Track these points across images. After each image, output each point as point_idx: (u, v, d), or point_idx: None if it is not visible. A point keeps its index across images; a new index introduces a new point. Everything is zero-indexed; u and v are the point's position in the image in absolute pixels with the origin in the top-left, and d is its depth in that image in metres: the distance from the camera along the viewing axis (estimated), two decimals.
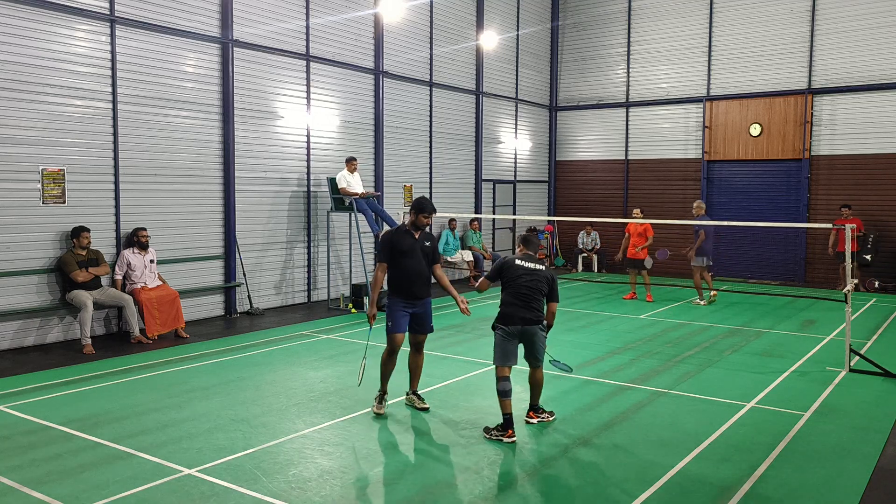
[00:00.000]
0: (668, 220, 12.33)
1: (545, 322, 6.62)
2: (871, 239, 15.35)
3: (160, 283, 10.66)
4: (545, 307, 6.64)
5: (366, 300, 12.71)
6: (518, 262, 6.61)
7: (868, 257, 15.31)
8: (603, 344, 10.21)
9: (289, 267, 13.33)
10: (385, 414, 6.92)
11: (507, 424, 6.29)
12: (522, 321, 6.44)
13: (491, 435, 6.30)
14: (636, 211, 14.49)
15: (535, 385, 6.78)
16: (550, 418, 6.82)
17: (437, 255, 7.24)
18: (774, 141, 17.33)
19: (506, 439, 6.23)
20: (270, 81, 12.75)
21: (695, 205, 13.81)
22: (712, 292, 14.00)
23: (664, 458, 5.82)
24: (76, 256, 9.75)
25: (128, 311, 10.01)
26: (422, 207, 6.88)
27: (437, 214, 15.40)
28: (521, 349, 6.61)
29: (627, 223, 14.42)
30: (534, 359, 6.65)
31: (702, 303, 13.84)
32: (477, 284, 7.08)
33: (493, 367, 6.60)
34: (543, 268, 6.63)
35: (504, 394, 6.34)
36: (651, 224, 13.73)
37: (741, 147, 17.80)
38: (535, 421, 6.73)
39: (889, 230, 15.81)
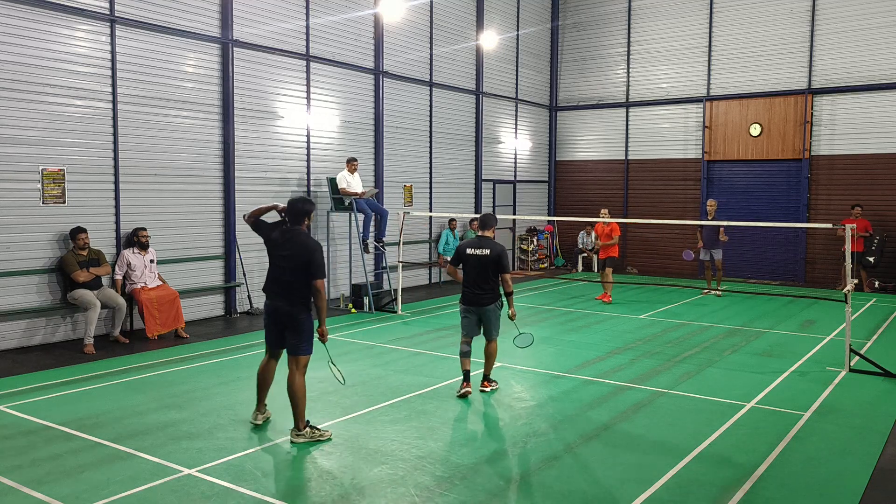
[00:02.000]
0: (667, 221, 12.35)
1: (500, 301, 7.52)
2: (876, 240, 15.27)
3: (160, 283, 10.65)
4: (499, 282, 7.52)
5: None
6: (469, 249, 7.48)
7: (871, 259, 15.26)
8: (603, 344, 10.21)
9: None
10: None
11: (464, 378, 7.55)
12: (473, 302, 7.46)
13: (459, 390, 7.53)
14: (603, 211, 13.89)
15: (488, 356, 7.66)
16: (495, 387, 7.74)
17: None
18: (774, 141, 17.32)
19: (461, 390, 7.46)
20: (270, 81, 12.75)
21: (711, 203, 14.54)
22: (708, 290, 14.85)
23: (664, 458, 5.82)
24: (77, 256, 9.74)
25: (117, 312, 10.00)
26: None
27: (438, 214, 15.73)
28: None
29: (595, 224, 14.75)
30: (487, 333, 7.58)
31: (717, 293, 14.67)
32: (447, 270, 7.87)
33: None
34: (489, 251, 7.39)
35: (463, 354, 7.61)
36: (618, 223, 14.04)
37: (741, 147, 17.80)
38: (488, 389, 7.65)
39: (890, 230, 15.78)
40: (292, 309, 6.20)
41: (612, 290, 14.33)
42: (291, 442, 6.17)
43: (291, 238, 6.26)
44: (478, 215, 15.41)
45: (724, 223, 13.34)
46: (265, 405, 6.66)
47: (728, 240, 14.68)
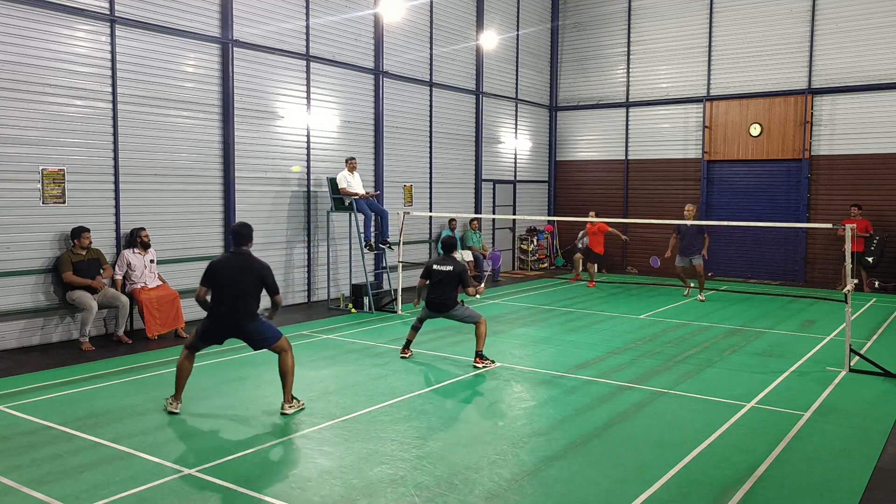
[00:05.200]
0: (667, 221, 12.35)
1: (460, 301, 8.95)
2: (876, 240, 15.25)
3: (160, 283, 10.65)
4: (460, 291, 8.98)
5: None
6: (435, 266, 8.85)
7: (870, 259, 15.24)
8: (603, 344, 10.21)
9: (289, 267, 13.33)
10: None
11: (406, 345, 9.17)
12: (434, 309, 8.86)
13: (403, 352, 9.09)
14: (591, 213, 16.20)
15: (477, 337, 8.72)
16: (493, 366, 8.69)
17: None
18: (774, 141, 17.33)
19: (402, 355, 9.06)
20: (270, 81, 12.75)
21: (690, 207, 14.00)
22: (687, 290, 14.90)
23: (664, 458, 5.82)
24: (75, 256, 9.73)
25: (120, 311, 10.01)
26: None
27: (438, 214, 15.73)
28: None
29: (586, 223, 16.39)
30: (469, 322, 8.83)
31: (694, 294, 14.55)
32: (418, 285, 9.09)
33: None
34: (452, 267, 8.78)
35: (413, 328, 9.15)
36: (606, 223, 15.86)
37: (741, 147, 17.80)
38: (480, 366, 8.61)
39: (890, 230, 15.78)
40: (236, 323, 6.78)
41: (613, 288, 14.61)
42: (282, 414, 6.76)
43: (238, 262, 6.84)
44: (478, 215, 15.69)
45: (722, 223, 13.28)
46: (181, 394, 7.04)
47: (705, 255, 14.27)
